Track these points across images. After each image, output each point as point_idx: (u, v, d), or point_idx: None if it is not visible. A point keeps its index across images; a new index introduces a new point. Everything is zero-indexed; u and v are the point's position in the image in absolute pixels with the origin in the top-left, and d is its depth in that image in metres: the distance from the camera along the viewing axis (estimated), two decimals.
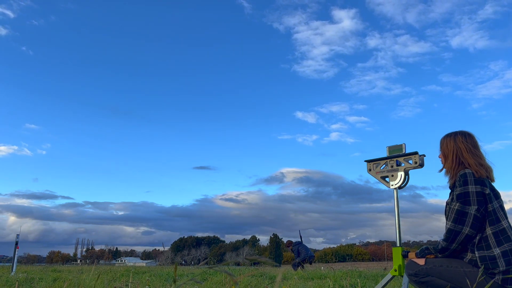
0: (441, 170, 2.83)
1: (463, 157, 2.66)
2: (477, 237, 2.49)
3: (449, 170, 2.72)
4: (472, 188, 2.50)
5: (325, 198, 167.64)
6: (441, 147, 2.83)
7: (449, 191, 2.73)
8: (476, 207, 2.47)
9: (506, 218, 2.54)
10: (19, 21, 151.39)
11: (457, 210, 2.50)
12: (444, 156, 2.78)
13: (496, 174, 2.72)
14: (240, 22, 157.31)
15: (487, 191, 2.51)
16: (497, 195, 2.59)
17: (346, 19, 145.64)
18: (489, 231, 2.47)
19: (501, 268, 2.38)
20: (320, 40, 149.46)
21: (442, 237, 2.59)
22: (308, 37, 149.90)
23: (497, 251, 2.41)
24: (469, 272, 2.46)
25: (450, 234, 2.51)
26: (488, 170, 2.63)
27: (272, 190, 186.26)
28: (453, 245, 2.52)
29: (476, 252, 2.47)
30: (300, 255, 12.53)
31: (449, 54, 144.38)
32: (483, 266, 2.42)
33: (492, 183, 2.66)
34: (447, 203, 2.69)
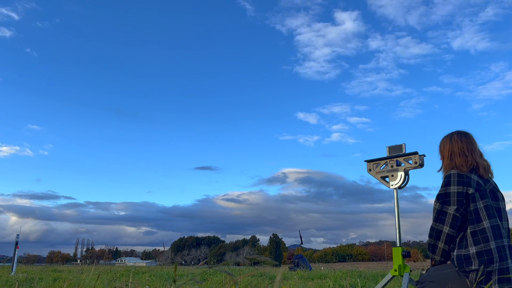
0: (440, 170, 2.87)
1: (454, 155, 2.75)
2: (459, 236, 2.56)
3: (445, 169, 2.79)
4: (454, 188, 2.56)
5: (327, 198, 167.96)
6: (439, 149, 2.91)
7: None
8: (455, 207, 2.52)
9: (491, 218, 2.52)
10: (23, 23, 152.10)
11: (437, 210, 2.59)
12: (442, 156, 2.86)
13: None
14: (243, 24, 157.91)
15: (471, 191, 2.54)
16: (484, 195, 2.56)
17: (348, 21, 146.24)
18: (468, 230, 2.52)
19: (473, 267, 2.42)
20: (322, 42, 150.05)
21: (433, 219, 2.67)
22: (310, 39, 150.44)
23: (472, 250, 2.46)
24: (449, 273, 2.52)
25: (433, 232, 2.61)
26: (480, 167, 2.65)
27: (273, 190, 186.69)
28: (439, 243, 2.58)
29: (455, 251, 2.54)
30: (299, 267, 12.61)
31: (450, 56, 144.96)
32: (478, 267, 2.44)
33: (488, 183, 2.67)
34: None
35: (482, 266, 2.40)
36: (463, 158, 2.68)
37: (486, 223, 2.49)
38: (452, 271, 2.51)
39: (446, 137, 2.88)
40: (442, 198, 2.59)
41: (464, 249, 2.49)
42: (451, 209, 2.53)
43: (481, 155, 2.75)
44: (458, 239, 2.55)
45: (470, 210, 2.54)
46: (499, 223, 2.55)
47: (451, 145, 2.78)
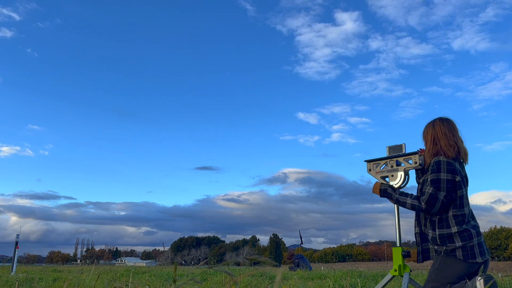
0: (422, 153, 3.05)
1: (438, 139, 2.90)
2: (438, 217, 2.78)
3: (428, 152, 2.96)
4: (443, 176, 2.74)
5: (327, 198, 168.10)
6: (423, 135, 3.07)
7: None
8: (444, 193, 2.71)
9: (468, 205, 2.84)
10: (24, 24, 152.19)
11: (430, 194, 2.74)
12: (425, 141, 3.02)
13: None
14: (244, 25, 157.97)
15: (458, 178, 2.75)
16: (465, 183, 2.85)
17: (348, 22, 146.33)
18: (451, 213, 2.75)
19: (457, 244, 2.65)
20: (322, 42, 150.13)
21: (421, 200, 2.77)
22: (311, 39, 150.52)
23: (454, 229, 2.70)
24: (441, 264, 2.70)
25: (430, 201, 2.74)
26: (461, 152, 2.87)
27: (274, 191, 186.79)
28: (433, 211, 2.75)
29: (437, 230, 2.76)
30: (299, 267, 12.59)
31: (451, 56, 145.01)
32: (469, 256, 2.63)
33: (464, 169, 2.91)
34: (419, 180, 3.02)
35: (465, 243, 2.65)
36: (446, 141, 2.84)
37: (466, 209, 2.77)
38: (442, 260, 2.68)
39: (428, 123, 3.05)
40: (435, 183, 2.73)
41: (446, 229, 2.73)
42: (441, 195, 2.71)
43: (462, 140, 2.92)
44: (437, 220, 2.78)
45: (457, 196, 2.75)
46: (471, 209, 2.86)
47: (434, 130, 2.95)
